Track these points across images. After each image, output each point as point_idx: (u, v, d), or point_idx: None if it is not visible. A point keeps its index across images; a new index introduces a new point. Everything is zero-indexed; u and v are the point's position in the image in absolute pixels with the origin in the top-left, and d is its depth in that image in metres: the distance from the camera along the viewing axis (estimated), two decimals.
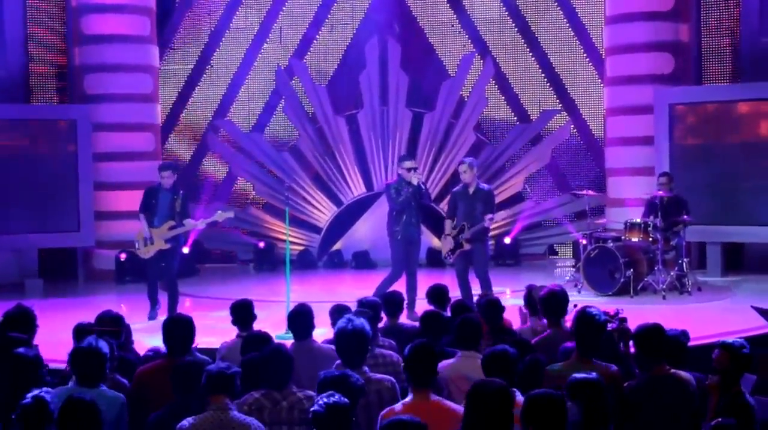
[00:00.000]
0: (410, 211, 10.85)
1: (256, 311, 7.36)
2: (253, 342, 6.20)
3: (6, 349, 5.91)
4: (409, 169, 10.84)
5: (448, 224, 10.88)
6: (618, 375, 5.68)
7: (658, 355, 5.55)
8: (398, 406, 5.04)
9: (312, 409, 4.48)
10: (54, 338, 7.90)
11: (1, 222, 14.32)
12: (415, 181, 10.81)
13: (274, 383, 5.31)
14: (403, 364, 5.29)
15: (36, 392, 4.70)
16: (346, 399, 4.48)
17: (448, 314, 7.77)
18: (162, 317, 10.71)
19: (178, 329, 6.20)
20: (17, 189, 14.45)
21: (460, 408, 4.99)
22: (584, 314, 5.89)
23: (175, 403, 5.34)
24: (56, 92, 16.19)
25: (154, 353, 6.85)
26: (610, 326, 6.95)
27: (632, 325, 6.94)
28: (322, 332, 7.34)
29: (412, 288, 10.74)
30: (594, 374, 4.83)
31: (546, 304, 7.11)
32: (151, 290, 11.25)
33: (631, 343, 6.18)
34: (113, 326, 6.78)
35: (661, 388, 5.43)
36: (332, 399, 4.45)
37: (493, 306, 7.33)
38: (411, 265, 10.93)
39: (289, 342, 6.42)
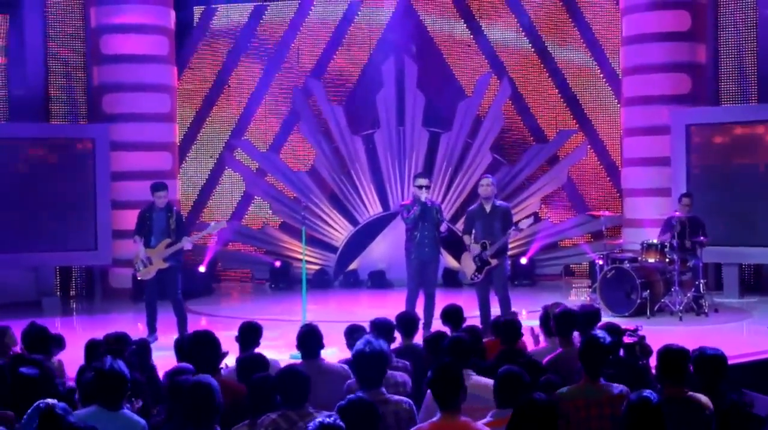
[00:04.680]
0: (423, 231, 10.72)
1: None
2: (250, 365, 6.13)
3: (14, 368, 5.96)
4: (420, 187, 10.74)
5: (467, 239, 10.80)
6: (627, 395, 5.64)
7: (678, 378, 5.53)
8: (426, 426, 4.97)
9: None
10: (70, 357, 7.91)
11: (20, 240, 14.38)
12: (422, 198, 10.68)
13: (290, 403, 5.30)
14: (428, 384, 5.20)
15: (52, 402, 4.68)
16: (342, 423, 4.39)
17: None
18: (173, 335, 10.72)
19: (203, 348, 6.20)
20: (35, 207, 14.50)
21: (487, 429, 4.96)
22: (590, 338, 5.86)
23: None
24: (75, 111, 16.30)
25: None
26: (629, 341, 6.91)
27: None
28: (333, 351, 7.33)
29: (429, 309, 10.66)
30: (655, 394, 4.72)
31: (559, 322, 7.08)
32: (150, 313, 10.85)
33: (651, 358, 6.14)
34: (119, 346, 6.81)
35: (677, 410, 5.39)
36: (328, 420, 4.36)
37: (510, 327, 7.30)
38: (428, 285, 10.83)
39: (298, 362, 6.40)
